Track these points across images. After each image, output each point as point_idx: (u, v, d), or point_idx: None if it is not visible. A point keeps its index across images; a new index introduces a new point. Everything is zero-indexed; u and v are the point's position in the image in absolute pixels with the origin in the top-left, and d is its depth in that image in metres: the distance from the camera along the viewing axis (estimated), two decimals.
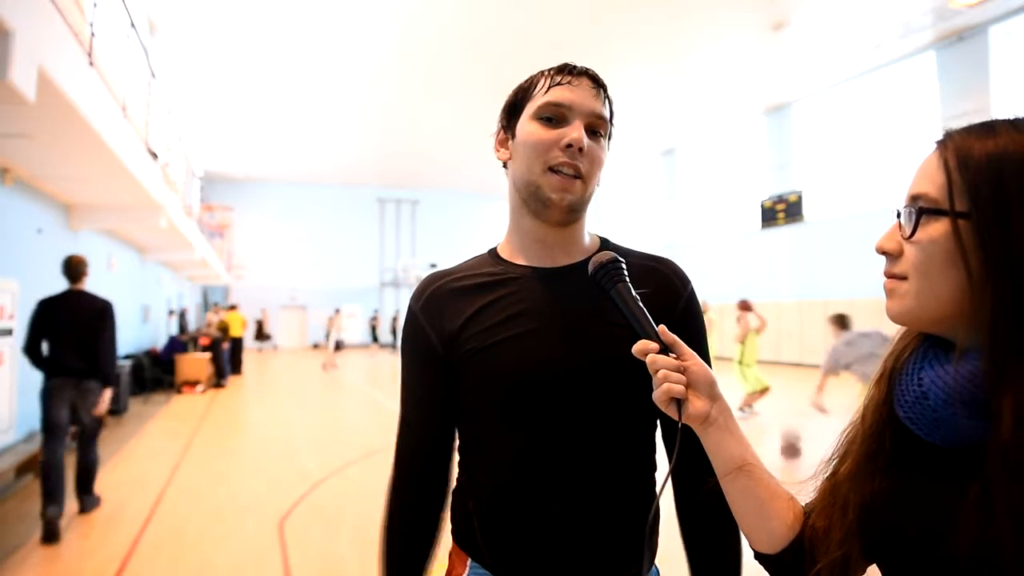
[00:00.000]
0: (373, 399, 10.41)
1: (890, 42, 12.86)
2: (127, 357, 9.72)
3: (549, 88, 0.88)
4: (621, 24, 11.93)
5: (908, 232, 0.58)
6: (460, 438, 0.96)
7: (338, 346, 15.78)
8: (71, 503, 4.13)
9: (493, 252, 0.98)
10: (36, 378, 5.91)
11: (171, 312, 15.44)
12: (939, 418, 0.56)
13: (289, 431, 7.33)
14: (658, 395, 0.70)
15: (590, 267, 0.81)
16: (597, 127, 0.88)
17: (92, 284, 7.95)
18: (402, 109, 16.66)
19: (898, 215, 0.60)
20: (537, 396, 0.86)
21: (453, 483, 0.99)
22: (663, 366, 0.70)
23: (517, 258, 0.94)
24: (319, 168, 23.45)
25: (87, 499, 4.26)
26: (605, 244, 0.97)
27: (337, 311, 17.58)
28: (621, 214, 24.88)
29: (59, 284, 6.69)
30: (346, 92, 15.42)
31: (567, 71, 0.88)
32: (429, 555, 0.97)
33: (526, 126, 0.89)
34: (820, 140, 16.00)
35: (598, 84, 0.89)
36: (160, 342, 12.62)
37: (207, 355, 11.39)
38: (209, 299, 23.32)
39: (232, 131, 18.44)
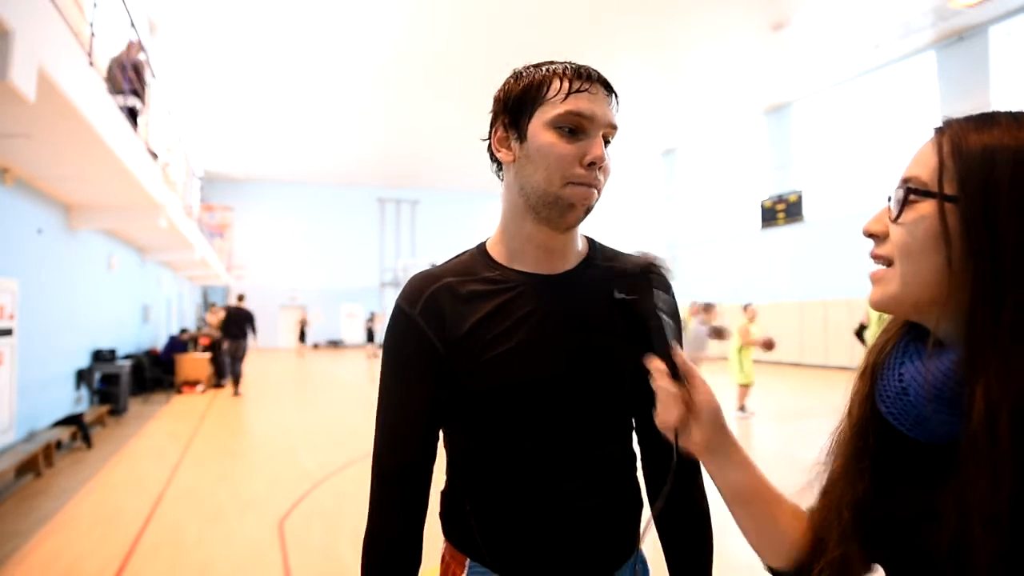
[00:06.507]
0: (373, 399, 10.40)
1: (890, 42, 12.87)
2: (127, 357, 9.72)
3: (568, 95, 0.84)
4: (621, 24, 11.93)
5: (895, 214, 0.58)
6: (454, 443, 0.96)
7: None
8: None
9: (484, 253, 0.96)
10: (36, 378, 5.92)
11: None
12: (920, 414, 0.56)
13: (289, 431, 7.33)
14: (656, 419, 0.72)
15: (626, 268, 0.80)
16: (609, 136, 0.86)
17: (91, 285, 7.99)
18: (402, 109, 16.66)
19: (889, 199, 0.60)
20: (541, 404, 0.88)
21: (430, 489, 0.97)
22: (665, 394, 0.71)
23: (513, 263, 0.93)
24: (319, 168, 23.46)
25: (237, 388, 10.44)
26: (593, 245, 0.99)
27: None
28: (621, 214, 24.89)
29: (58, 284, 6.72)
30: (346, 92, 15.42)
31: (584, 77, 0.84)
32: (418, 564, 0.94)
33: (543, 135, 0.85)
34: (820, 140, 16.00)
35: (611, 91, 0.87)
36: (160, 342, 12.62)
37: (207, 355, 11.39)
38: (209, 299, 23.33)
39: (232, 131, 18.44)
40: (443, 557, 0.98)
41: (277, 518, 4.11)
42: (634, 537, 0.96)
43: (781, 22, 11.93)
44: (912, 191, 0.56)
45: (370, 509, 0.92)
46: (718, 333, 7.40)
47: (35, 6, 3.38)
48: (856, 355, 13.24)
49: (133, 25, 6.40)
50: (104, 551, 3.52)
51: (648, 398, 0.92)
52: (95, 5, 5.08)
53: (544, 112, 0.85)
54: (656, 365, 0.72)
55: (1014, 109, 0.55)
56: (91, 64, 4.46)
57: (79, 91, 4.04)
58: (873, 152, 14.26)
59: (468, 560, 0.93)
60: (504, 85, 0.91)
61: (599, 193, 0.87)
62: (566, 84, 0.84)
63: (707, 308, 8.07)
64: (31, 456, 5.01)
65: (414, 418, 0.91)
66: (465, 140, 19.10)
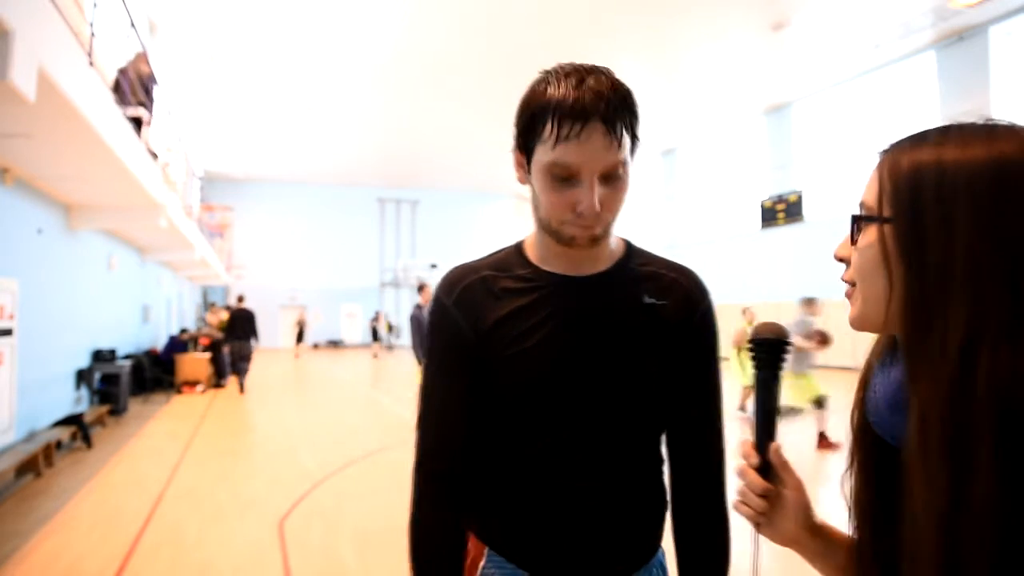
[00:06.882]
0: (373, 399, 10.41)
1: (890, 42, 12.86)
2: (127, 357, 9.72)
3: (556, 142, 0.80)
4: (621, 24, 11.93)
5: (852, 239, 0.61)
6: (481, 433, 0.98)
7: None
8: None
9: (520, 250, 0.98)
10: (36, 378, 5.92)
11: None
12: (892, 423, 0.57)
13: (289, 431, 7.33)
14: (733, 506, 0.71)
15: (752, 335, 0.75)
16: (613, 171, 0.82)
17: (91, 284, 7.98)
18: (402, 109, 16.66)
19: None
20: (557, 402, 0.90)
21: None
22: (747, 485, 0.69)
23: (545, 264, 0.94)
24: (319, 168, 23.45)
25: (242, 387, 10.63)
26: (630, 249, 0.98)
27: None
28: (621, 214, 24.86)
29: (58, 284, 6.72)
30: (346, 92, 15.42)
31: (578, 116, 0.78)
32: (464, 549, 0.97)
33: (539, 176, 0.84)
34: (820, 140, 16.00)
35: (611, 126, 0.79)
36: (160, 342, 12.61)
37: (207, 355, 11.40)
38: (209, 299, 23.32)
39: (232, 131, 18.44)
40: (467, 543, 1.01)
41: (277, 518, 4.11)
42: (654, 542, 0.96)
43: (781, 22, 11.93)
44: (857, 217, 0.59)
45: (413, 494, 0.95)
46: (822, 338, 6.52)
47: (35, 6, 3.38)
48: (856, 355, 13.24)
49: (133, 25, 6.40)
50: (104, 551, 3.52)
51: (680, 408, 0.94)
52: (95, 5, 5.08)
53: (540, 153, 0.83)
54: (748, 455, 0.70)
55: (944, 125, 0.56)
56: (91, 64, 4.45)
57: (79, 91, 4.04)
58: (873, 152, 14.22)
59: (487, 549, 0.96)
60: (521, 100, 0.88)
61: (603, 225, 0.86)
62: (555, 130, 0.80)
63: (809, 302, 7.92)
64: (31, 456, 5.00)
65: (453, 405, 0.94)
66: (465, 140, 19.09)
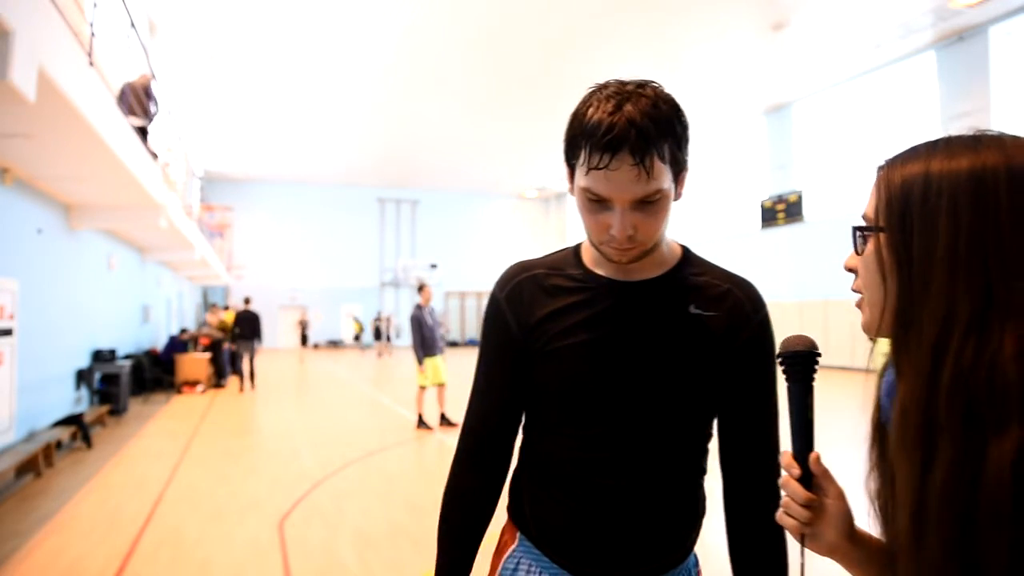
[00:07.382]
0: (373, 399, 10.40)
1: (890, 42, 12.86)
2: (127, 357, 9.72)
3: (589, 169, 0.82)
4: (621, 24, 11.93)
5: (857, 250, 0.64)
6: (525, 420, 1.03)
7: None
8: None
9: (577, 252, 1.01)
10: (36, 378, 5.92)
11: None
12: (890, 416, 0.60)
13: (289, 431, 7.34)
14: (778, 516, 0.71)
15: (781, 348, 0.74)
16: (647, 198, 0.83)
17: (91, 284, 7.98)
18: (403, 109, 16.65)
19: None
20: (593, 400, 0.92)
21: (515, 462, 1.06)
22: (790, 496, 0.69)
23: (597, 267, 0.97)
24: (319, 168, 23.45)
25: (253, 383, 11.20)
26: (687, 257, 0.98)
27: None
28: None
29: (58, 284, 6.72)
30: (346, 92, 15.42)
31: (606, 147, 0.79)
32: (485, 526, 1.02)
33: (576, 195, 0.88)
34: (820, 140, 15.99)
35: (641, 158, 0.79)
36: (160, 342, 12.61)
37: (207, 355, 11.40)
38: (209, 299, 23.32)
39: (232, 131, 18.44)
40: (504, 526, 1.05)
41: (277, 518, 4.11)
42: (686, 545, 0.96)
43: (781, 22, 11.93)
44: (856, 229, 0.63)
45: (452, 462, 1.04)
46: None
47: (35, 6, 3.38)
48: (856, 355, 13.23)
49: (133, 25, 6.40)
50: (104, 551, 3.52)
51: (732, 420, 0.94)
52: (95, 5, 5.08)
53: (578, 175, 0.87)
54: (789, 465, 0.70)
55: (936, 137, 0.59)
56: (91, 64, 4.45)
57: (79, 91, 4.04)
58: (873, 152, 14.25)
59: (519, 533, 1.00)
60: (570, 115, 0.88)
61: (639, 247, 0.87)
62: (588, 158, 0.82)
63: None
64: (31, 456, 5.00)
65: (494, 390, 1.02)
66: (466, 140, 19.08)
